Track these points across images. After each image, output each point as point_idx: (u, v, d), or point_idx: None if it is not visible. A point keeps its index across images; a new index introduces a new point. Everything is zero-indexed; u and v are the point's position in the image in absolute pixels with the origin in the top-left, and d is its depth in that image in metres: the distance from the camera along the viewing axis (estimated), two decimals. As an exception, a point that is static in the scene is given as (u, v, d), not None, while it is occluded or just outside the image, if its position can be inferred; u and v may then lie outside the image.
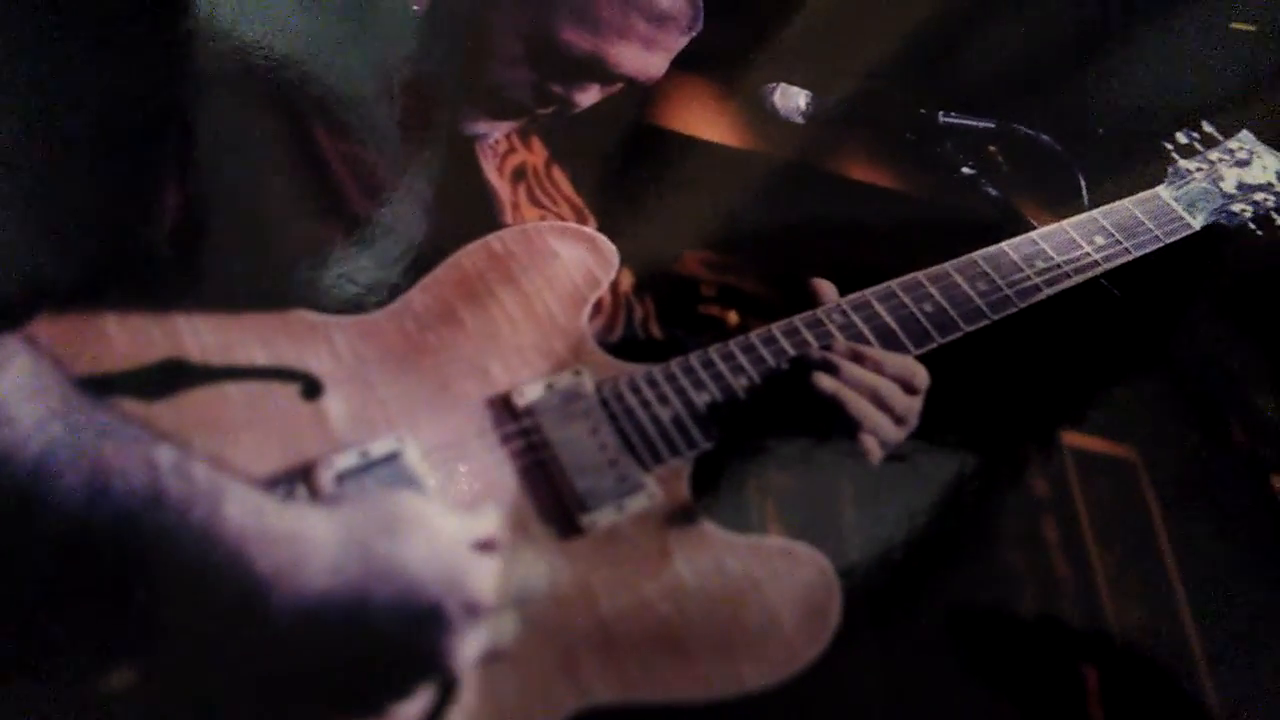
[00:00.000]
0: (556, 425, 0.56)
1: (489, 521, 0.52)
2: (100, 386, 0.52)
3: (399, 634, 0.48)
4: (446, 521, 0.51)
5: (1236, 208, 0.78)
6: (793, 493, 0.57)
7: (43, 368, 0.52)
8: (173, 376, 0.53)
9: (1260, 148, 0.82)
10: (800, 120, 0.77)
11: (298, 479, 0.51)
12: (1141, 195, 0.77)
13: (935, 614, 0.55)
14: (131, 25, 0.64)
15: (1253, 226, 0.78)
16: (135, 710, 0.47)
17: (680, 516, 0.54)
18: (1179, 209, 0.76)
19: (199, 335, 0.54)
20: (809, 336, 0.63)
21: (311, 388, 0.54)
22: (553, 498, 0.54)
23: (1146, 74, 0.86)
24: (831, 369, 0.61)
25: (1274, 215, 0.79)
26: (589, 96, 0.73)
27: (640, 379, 0.59)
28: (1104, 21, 0.88)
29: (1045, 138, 0.80)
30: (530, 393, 0.57)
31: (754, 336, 0.62)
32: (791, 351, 0.62)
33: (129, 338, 0.53)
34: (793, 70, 0.78)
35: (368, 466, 0.52)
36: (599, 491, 0.54)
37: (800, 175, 0.73)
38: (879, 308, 0.65)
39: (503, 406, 0.56)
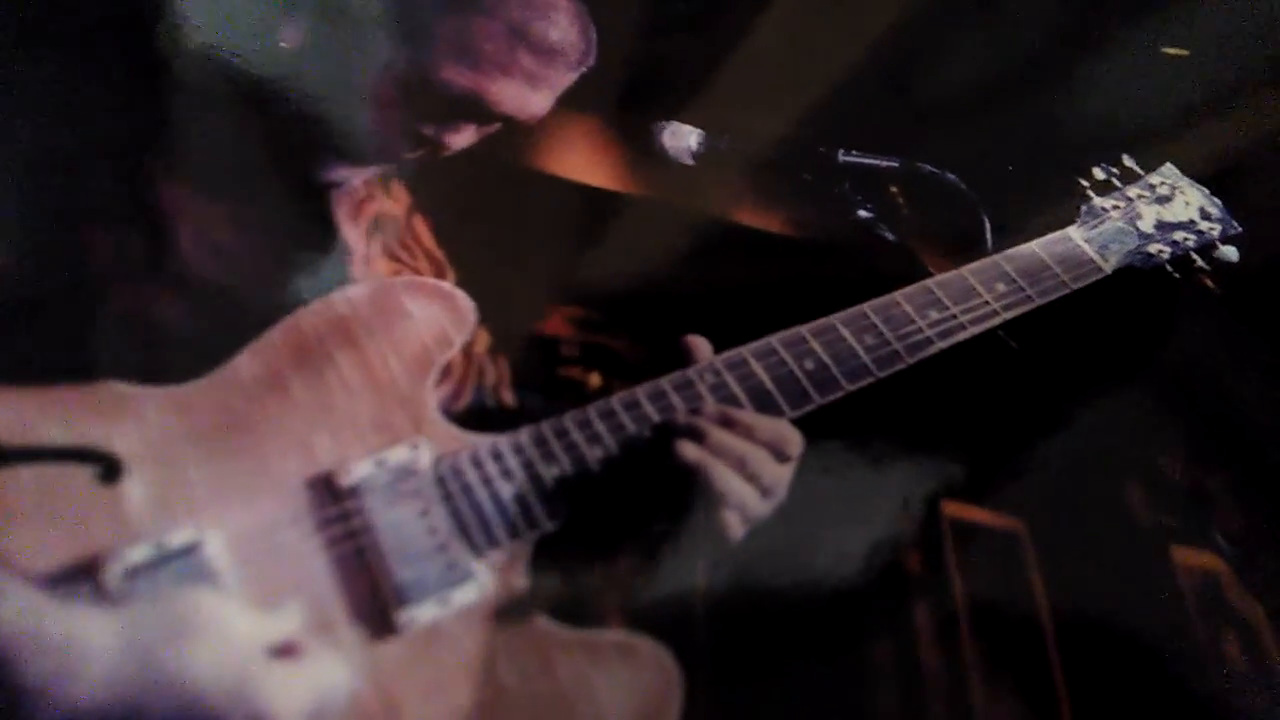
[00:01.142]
0: (383, 507, 0.52)
1: (289, 622, 0.47)
2: (-128, 472, 0.47)
3: (177, 753, 0.44)
4: (241, 624, 0.46)
5: (1153, 249, 0.74)
6: (642, 578, 0.53)
7: None
8: (-44, 460, 0.49)
9: (1184, 182, 0.78)
10: (690, 161, 0.72)
11: (82, 575, 0.47)
12: (1050, 237, 0.72)
13: (794, 713, 0.51)
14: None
15: (1170, 269, 0.74)
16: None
17: (511, 610, 0.50)
18: (1090, 251, 0.72)
19: (-9, 412, 0.50)
20: (676, 400, 0.58)
21: (110, 470, 0.50)
22: (369, 592, 0.50)
23: (1069, 102, 0.82)
24: (697, 436, 0.57)
25: (1194, 256, 0.75)
26: (463, 138, 0.69)
27: (484, 452, 0.54)
28: (1025, 45, 0.84)
29: (950, 176, 0.76)
30: (357, 471, 0.52)
31: (615, 401, 0.57)
32: (655, 417, 0.57)
33: (-88, 416, 0.49)
34: (687, 107, 0.74)
35: (162, 560, 0.48)
36: (422, 583, 0.50)
37: (684, 222, 0.69)
38: (755, 366, 0.61)
39: (324, 487, 0.52)
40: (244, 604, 0.47)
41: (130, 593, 0.47)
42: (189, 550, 0.48)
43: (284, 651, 0.46)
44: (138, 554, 0.48)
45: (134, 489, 0.50)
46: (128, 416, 0.51)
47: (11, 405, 0.51)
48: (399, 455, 0.53)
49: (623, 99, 0.73)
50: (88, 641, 0.44)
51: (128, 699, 0.44)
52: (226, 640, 0.45)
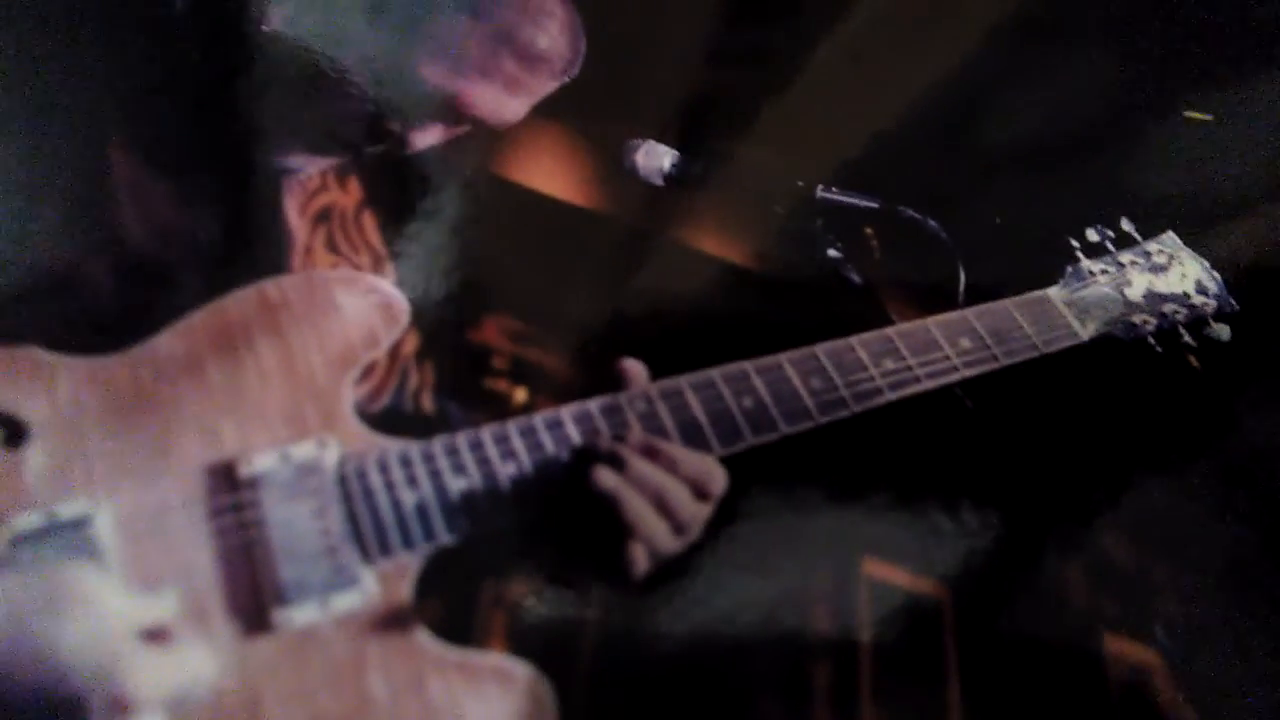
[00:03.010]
0: (279, 502, 0.51)
1: (164, 607, 0.47)
2: None
3: (28, 726, 0.43)
4: (116, 603, 0.46)
5: (1138, 319, 0.71)
6: (532, 603, 0.51)
7: None
8: None
9: (1184, 252, 0.75)
10: (659, 182, 0.71)
11: (-35, 538, 0.47)
12: (1027, 296, 0.70)
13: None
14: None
15: (1153, 342, 0.70)
16: None
17: (391, 621, 0.49)
18: (1068, 315, 0.69)
19: (-96, 366, 0.50)
20: (602, 424, 0.57)
21: (15, 434, 0.50)
22: (249, 586, 0.49)
23: (1079, 159, 0.79)
24: (617, 463, 0.55)
25: (1182, 331, 0.71)
26: (428, 138, 0.68)
27: (393, 456, 0.53)
28: (1041, 98, 0.81)
29: (932, 223, 0.73)
30: (260, 463, 0.52)
31: (538, 419, 0.56)
32: (576, 439, 0.56)
33: None
34: (664, 128, 0.72)
35: (50, 530, 0.48)
36: (304, 583, 0.49)
37: (642, 243, 0.68)
38: (690, 398, 0.59)
39: (223, 475, 0.51)
40: (123, 584, 0.47)
41: (13, 560, 0.47)
42: (78, 524, 0.48)
43: (155, 636, 0.46)
44: (27, 521, 0.48)
45: (35, 456, 0.49)
46: (41, 383, 0.51)
47: (-74, 360, 0.51)
48: (304, 451, 0.53)
49: (599, 113, 0.72)
50: (-44, 605, 0.44)
51: (-13, 668, 0.43)
52: (99, 618, 0.45)
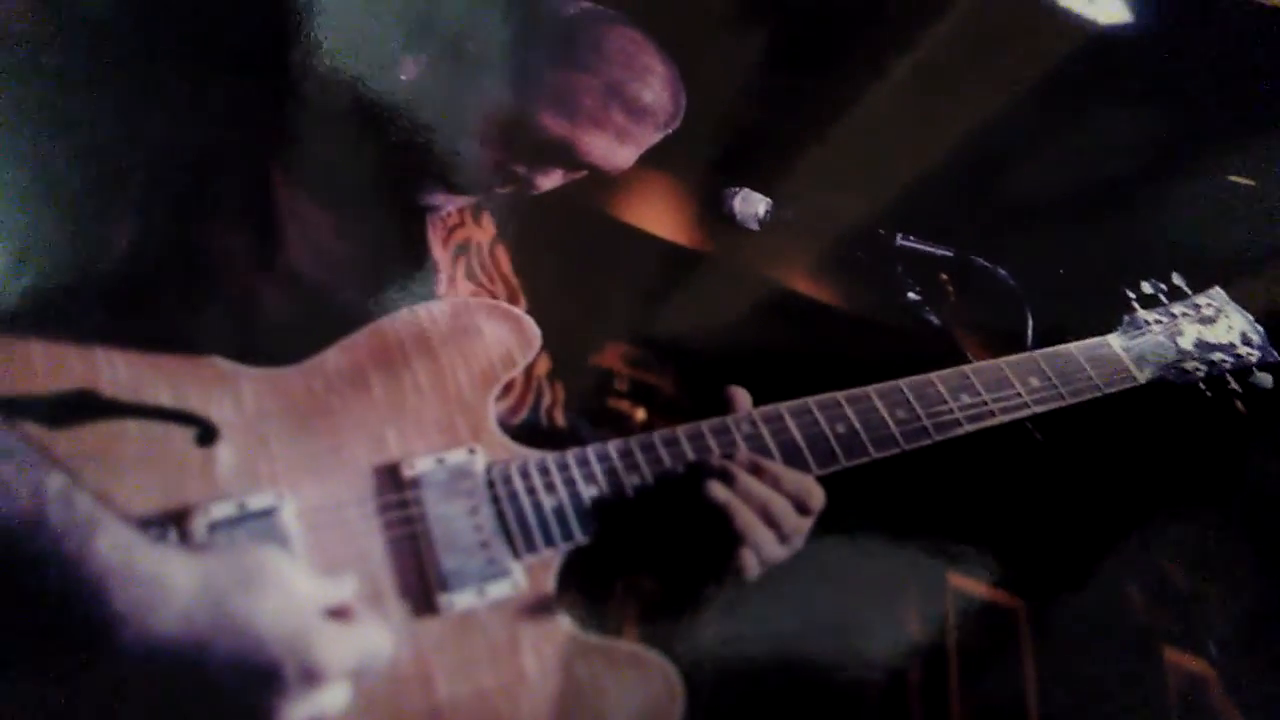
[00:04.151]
0: (438, 501, 0.57)
1: (345, 589, 0.53)
2: (11, 408, 0.55)
3: (233, 688, 0.49)
4: (304, 584, 0.52)
5: (1189, 365, 0.77)
6: (659, 599, 0.57)
7: (-43, 384, 0.55)
8: (80, 407, 0.56)
9: (1230, 306, 0.81)
10: (755, 227, 0.78)
11: (172, 522, 0.53)
12: (1090, 341, 0.76)
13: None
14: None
15: (1203, 387, 0.77)
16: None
17: (539, 609, 0.55)
18: (1126, 360, 0.76)
19: (114, 370, 0.57)
20: (713, 443, 0.63)
21: (207, 434, 0.57)
22: (416, 573, 0.55)
23: (1131, 216, 0.86)
24: (727, 478, 0.62)
25: (1229, 378, 0.77)
26: (551, 180, 0.76)
27: (532, 465, 0.60)
28: (1096, 158, 0.88)
29: (1002, 273, 0.80)
30: (420, 465, 0.58)
31: (656, 436, 0.63)
32: (691, 456, 0.62)
33: (49, 364, 0.56)
34: (758, 176, 0.80)
35: (242, 519, 0.54)
36: (463, 573, 0.55)
37: (741, 281, 0.75)
38: (790, 423, 0.65)
39: (389, 475, 0.58)
40: (308, 567, 0.53)
41: (211, 543, 0.53)
42: (267, 513, 0.54)
43: (338, 614, 0.52)
44: (222, 510, 0.54)
45: (225, 453, 0.56)
46: (226, 389, 0.58)
47: (128, 366, 0.58)
48: (457, 456, 0.59)
49: (701, 162, 0.80)
50: (170, 580, 0.51)
51: (198, 637, 0.50)
52: (289, 596, 0.51)
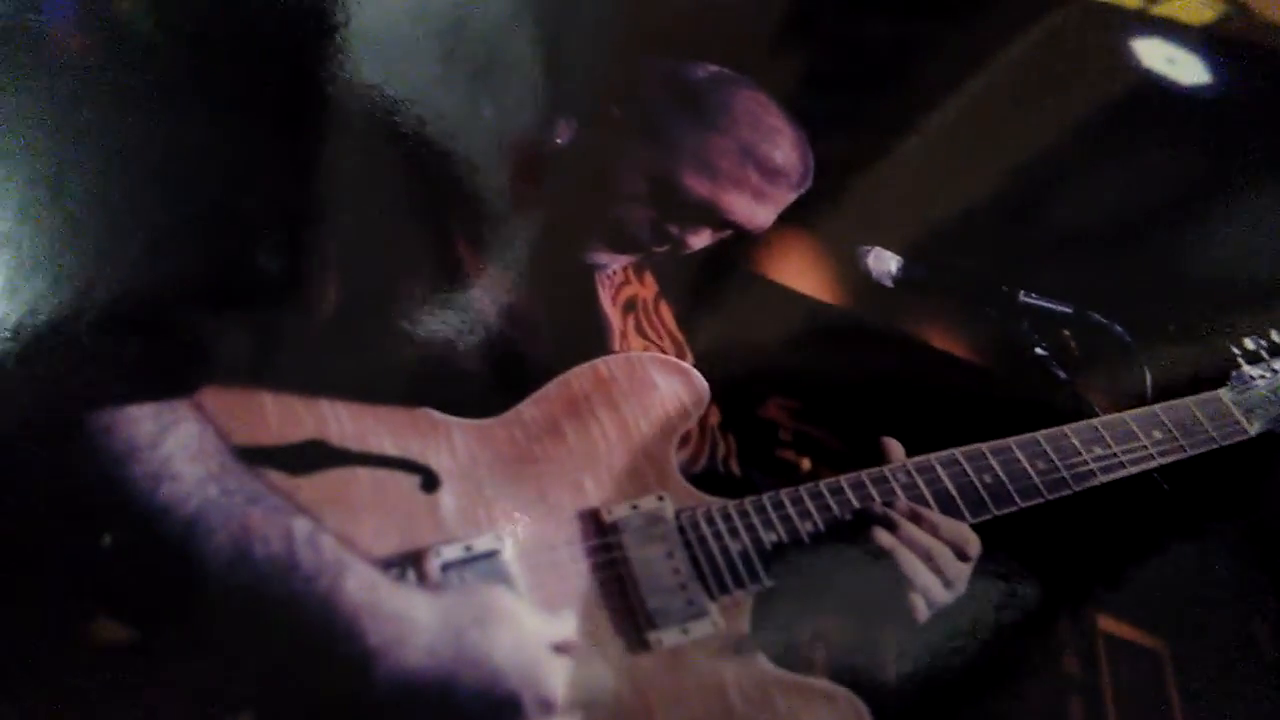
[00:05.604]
0: (637, 545, 0.62)
1: (568, 626, 0.58)
2: (252, 457, 0.60)
3: (478, 718, 0.54)
4: (531, 620, 0.57)
5: (1294, 417, 0.82)
6: (842, 639, 0.62)
7: (206, 433, 0.60)
8: (314, 455, 0.61)
9: (1327, 360, 0.86)
10: (889, 284, 0.83)
11: (409, 563, 0.58)
12: (1203, 396, 0.81)
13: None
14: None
15: (1309, 437, 0.81)
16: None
17: (738, 647, 0.60)
18: (1237, 413, 0.81)
19: (339, 421, 0.62)
20: (873, 492, 0.68)
21: (430, 481, 0.62)
22: (625, 612, 0.60)
23: (1229, 270, 0.91)
24: (891, 525, 0.67)
25: (1332, 430, 0.82)
26: (701, 239, 0.81)
27: (716, 511, 0.65)
28: (1194, 200, 0.93)
29: (1118, 328, 0.85)
30: (617, 511, 0.63)
31: (823, 485, 0.68)
32: (856, 504, 0.67)
33: (281, 416, 0.61)
34: (887, 235, 0.85)
35: (470, 560, 0.59)
36: (668, 612, 0.60)
37: (883, 337, 0.80)
38: (941, 473, 0.70)
39: (591, 520, 0.63)
40: (532, 605, 0.58)
41: (446, 583, 0.58)
42: (491, 554, 0.59)
43: (562, 649, 0.57)
44: (451, 552, 0.59)
45: (447, 498, 0.61)
46: (441, 439, 0.63)
47: (351, 417, 0.63)
48: (649, 503, 0.64)
49: (834, 220, 0.85)
50: (415, 618, 0.56)
51: (444, 671, 0.54)
52: (521, 632, 0.56)
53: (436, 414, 0.65)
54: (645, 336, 0.75)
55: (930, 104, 0.90)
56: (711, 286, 0.79)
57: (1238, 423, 0.80)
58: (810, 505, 0.67)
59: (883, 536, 0.66)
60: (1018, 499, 0.70)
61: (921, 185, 0.88)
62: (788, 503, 0.66)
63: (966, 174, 0.88)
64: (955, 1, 0.96)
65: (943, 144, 0.89)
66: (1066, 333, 0.85)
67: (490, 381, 0.68)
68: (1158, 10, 1.02)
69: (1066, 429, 0.75)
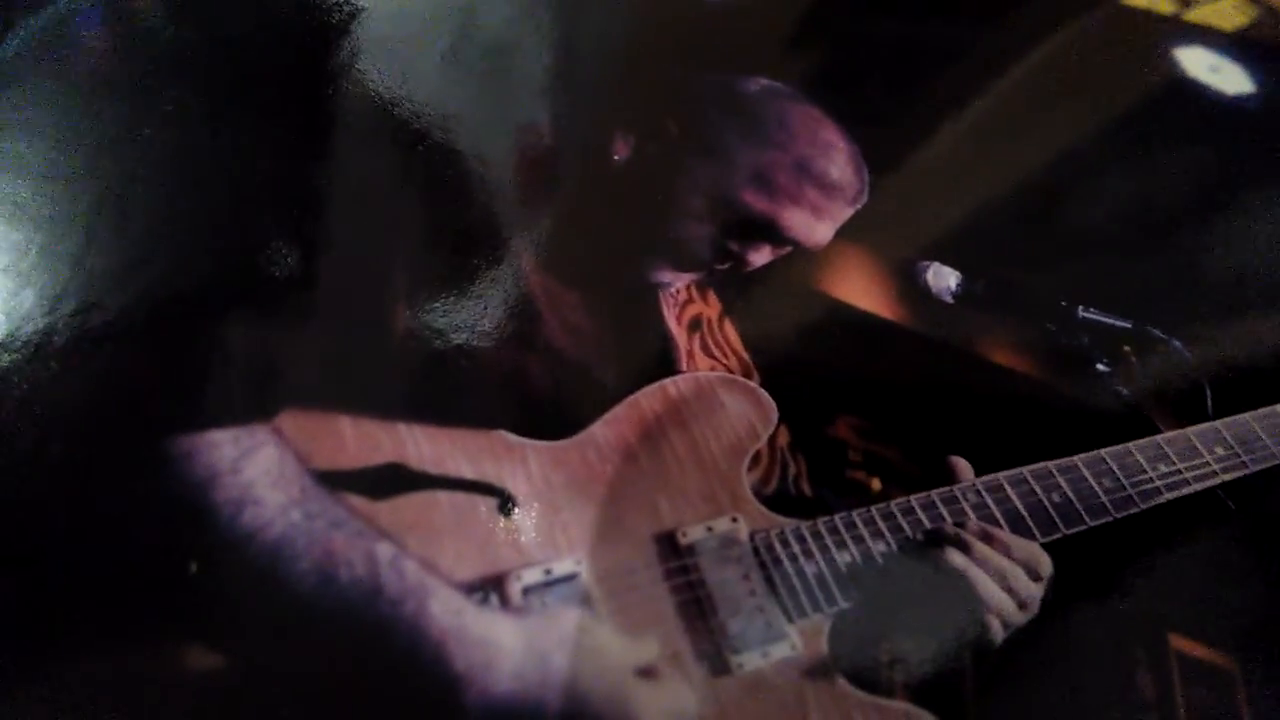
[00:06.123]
0: (713, 567, 0.62)
1: (650, 650, 0.58)
2: (333, 481, 0.60)
3: (567, 744, 0.54)
4: (614, 644, 0.57)
5: (1352, 434, 0.82)
6: (917, 659, 0.62)
7: (287, 459, 0.60)
8: (393, 479, 0.61)
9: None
10: (949, 300, 0.83)
11: (491, 587, 0.59)
12: (1262, 411, 0.81)
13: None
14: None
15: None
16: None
17: (818, 670, 0.60)
18: (1295, 429, 0.80)
19: (417, 444, 0.62)
20: (944, 512, 0.68)
21: (507, 504, 0.62)
22: (705, 635, 0.60)
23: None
24: (963, 546, 0.67)
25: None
26: (761, 256, 0.81)
27: (789, 533, 0.65)
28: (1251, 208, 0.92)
29: (1176, 343, 0.85)
30: (692, 533, 0.63)
31: (894, 505, 0.68)
32: (927, 524, 0.67)
33: (360, 440, 0.62)
34: (945, 251, 0.85)
35: (551, 583, 0.59)
36: (748, 635, 0.60)
37: (946, 353, 0.80)
38: (1010, 492, 0.70)
39: (668, 543, 0.63)
40: (613, 629, 0.58)
41: (528, 606, 0.58)
42: (570, 578, 0.60)
43: (646, 673, 0.57)
44: (532, 575, 0.59)
45: (525, 521, 0.61)
46: (517, 462, 0.64)
47: (429, 440, 0.63)
48: (723, 525, 0.64)
49: (892, 237, 0.85)
50: (500, 642, 0.56)
51: (530, 695, 0.55)
52: (604, 656, 0.56)
53: (511, 436, 0.65)
54: (711, 355, 0.75)
55: (982, 116, 0.90)
56: (775, 304, 0.79)
57: (1295, 438, 0.80)
58: (882, 526, 0.67)
59: (956, 557, 0.66)
60: (1086, 518, 0.70)
61: (974, 198, 0.88)
62: (860, 523, 0.66)
63: (1022, 186, 0.88)
64: (1003, 10, 0.96)
65: (997, 156, 0.89)
66: (1127, 348, 0.85)
67: (559, 402, 0.68)
68: (1190, 16, 1.02)
69: (1131, 446, 0.75)
